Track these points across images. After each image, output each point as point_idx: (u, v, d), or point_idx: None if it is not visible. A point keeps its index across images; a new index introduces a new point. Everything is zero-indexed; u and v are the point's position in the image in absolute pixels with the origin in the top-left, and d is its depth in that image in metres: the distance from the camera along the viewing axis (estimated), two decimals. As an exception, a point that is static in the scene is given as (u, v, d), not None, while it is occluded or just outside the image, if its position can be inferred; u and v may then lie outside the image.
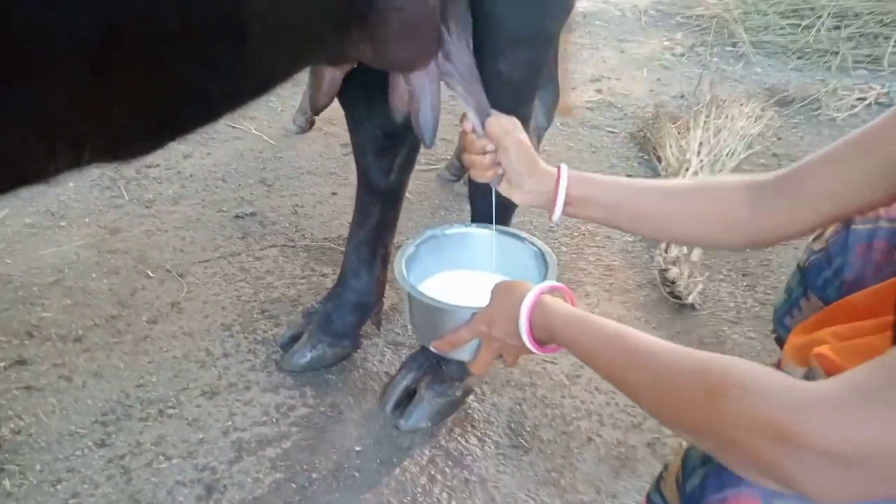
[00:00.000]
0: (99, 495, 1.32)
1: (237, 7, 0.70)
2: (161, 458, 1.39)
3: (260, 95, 0.93)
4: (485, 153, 1.08)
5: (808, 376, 0.82)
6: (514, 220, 1.58)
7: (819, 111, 3.08)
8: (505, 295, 0.97)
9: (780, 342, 1.18)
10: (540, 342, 0.93)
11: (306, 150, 2.67)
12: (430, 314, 1.08)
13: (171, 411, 1.50)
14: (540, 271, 1.15)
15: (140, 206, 2.26)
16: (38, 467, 1.37)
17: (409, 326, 1.16)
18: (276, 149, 2.67)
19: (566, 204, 1.05)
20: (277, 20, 0.76)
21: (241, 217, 2.21)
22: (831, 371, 0.76)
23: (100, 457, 1.39)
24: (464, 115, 1.10)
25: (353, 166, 2.58)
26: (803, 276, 1.12)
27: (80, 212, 2.20)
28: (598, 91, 3.33)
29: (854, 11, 3.85)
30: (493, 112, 1.11)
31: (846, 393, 0.59)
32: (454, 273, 1.24)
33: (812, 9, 3.99)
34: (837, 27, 3.85)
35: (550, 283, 0.96)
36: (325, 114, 2.82)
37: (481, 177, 1.11)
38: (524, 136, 1.09)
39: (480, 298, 1.01)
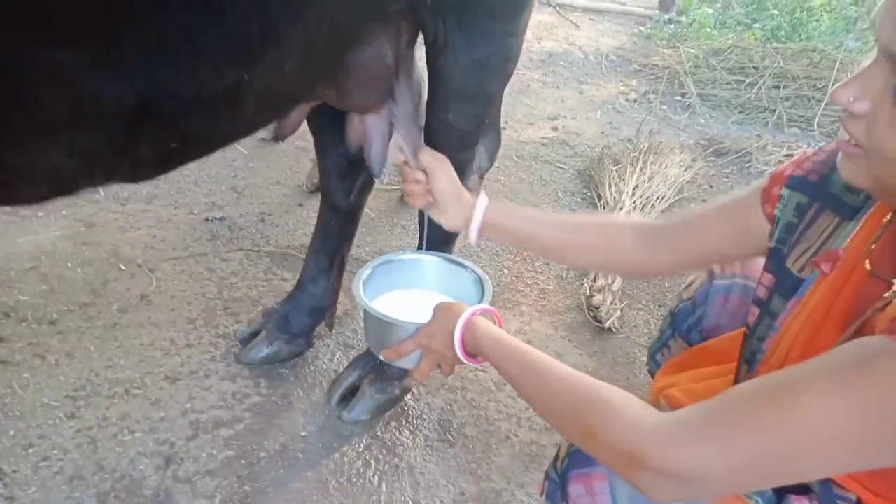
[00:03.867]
0: (67, 460, 1.47)
1: (237, 84, 0.91)
2: (125, 431, 1.56)
3: (248, 136, 1.13)
4: (417, 182, 1.27)
5: None
6: (462, 246, 1.80)
7: (750, 164, 3.38)
8: (443, 313, 1.13)
9: (652, 375, 1.41)
10: (470, 355, 1.10)
11: (276, 162, 2.85)
12: (381, 327, 1.24)
13: (136, 391, 1.66)
14: (478, 295, 1.33)
15: (115, 203, 2.41)
16: (11, 432, 1.52)
17: (363, 337, 1.31)
18: (248, 158, 2.84)
19: (486, 227, 1.24)
20: (266, 89, 0.97)
21: (210, 220, 2.38)
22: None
23: (69, 427, 1.55)
24: (399, 149, 1.29)
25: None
26: (673, 320, 1.35)
27: (58, 205, 2.34)
28: (554, 129, 3.59)
29: (792, 74, 4.20)
30: (424, 147, 1.30)
31: (676, 427, 0.76)
32: (404, 292, 1.42)
33: (756, 68, 4.34)
34: (777, 87, 4.20)
35: (482, 305, 1.13)
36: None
37: (416, 202, 1.29)
38: (451, 168, 1.27)
39: (425, 315, 1.19)
